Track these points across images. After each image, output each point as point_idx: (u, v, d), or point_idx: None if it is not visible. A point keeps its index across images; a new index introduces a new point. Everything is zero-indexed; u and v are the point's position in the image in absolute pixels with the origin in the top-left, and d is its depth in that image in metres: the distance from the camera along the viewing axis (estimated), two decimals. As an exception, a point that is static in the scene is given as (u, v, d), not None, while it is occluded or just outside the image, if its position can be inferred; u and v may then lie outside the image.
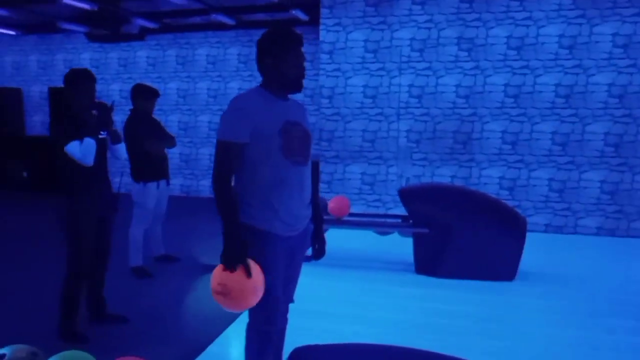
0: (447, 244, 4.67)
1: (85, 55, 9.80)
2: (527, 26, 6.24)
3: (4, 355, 1.82)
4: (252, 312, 2.37)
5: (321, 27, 6.86)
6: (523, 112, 6.37)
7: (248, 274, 2.16)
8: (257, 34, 8.81)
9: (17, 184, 9.97)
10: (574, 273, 4.87)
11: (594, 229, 6.34)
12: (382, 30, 6.67)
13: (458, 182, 6.66)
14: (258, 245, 2.31)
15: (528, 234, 6.39)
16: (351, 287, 4.48)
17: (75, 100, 3.39)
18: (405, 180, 6.77)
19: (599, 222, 6.31)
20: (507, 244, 4.58)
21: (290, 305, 4.04)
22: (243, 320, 3.78)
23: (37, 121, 10.28)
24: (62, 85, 9.51)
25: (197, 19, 8.59)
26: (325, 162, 7.08)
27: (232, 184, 2.30)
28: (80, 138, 3.27)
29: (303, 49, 2.34)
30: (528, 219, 6.50)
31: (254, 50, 8.86)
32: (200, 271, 5.00)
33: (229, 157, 2.22)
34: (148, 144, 4.59)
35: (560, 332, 3.57)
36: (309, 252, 5.43)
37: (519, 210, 6.51)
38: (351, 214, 5.39)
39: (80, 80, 3.36)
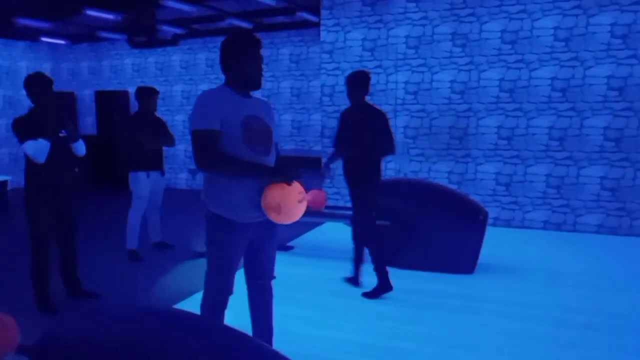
0: (407, 236, 4.78)
1: (128, 60, 10.65)
2: (522, 19, 6.13)
3: None
4: (208, 286, 2.63)
5: (321, 27, 7.11)
6: (519, 107, 6.27)
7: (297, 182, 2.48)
8: (278, 36, 9.19)
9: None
10: (560, 270, 4.81)
11: (594, 226, 6.12)
12: (379, 28, 6.80)
13: (455, 178, 6.66)
14: (219, 231, 2.55)
15: (526, 231, 6.28)
16: (310, 274, 4.72)
17: (33, 102, 3.76)
18: (403, 177, 6.86)
19: (599, 219, 6.08)
20: (466, 236, 4.62)
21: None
22: (196, 297, 4.16)
23: (89, 122, 11.29)
24: (109, 90, 10.48)
25: (222, 24, 9.11)
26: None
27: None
28: (35, 137, 3.65)
29: (261, 52, 2.64)
30: (525, 216, 6.38)
31: (274, 51, 9.26)
32: (189, 257, 5.43)
33: (206, 143, 2.41)
34: (143, 139, 5.09)
35: (520, 326, 3.64)
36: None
37: (515, 207, 6.41)
38: (327, 207, 5.60)
39: (36, 84, 3.70)
